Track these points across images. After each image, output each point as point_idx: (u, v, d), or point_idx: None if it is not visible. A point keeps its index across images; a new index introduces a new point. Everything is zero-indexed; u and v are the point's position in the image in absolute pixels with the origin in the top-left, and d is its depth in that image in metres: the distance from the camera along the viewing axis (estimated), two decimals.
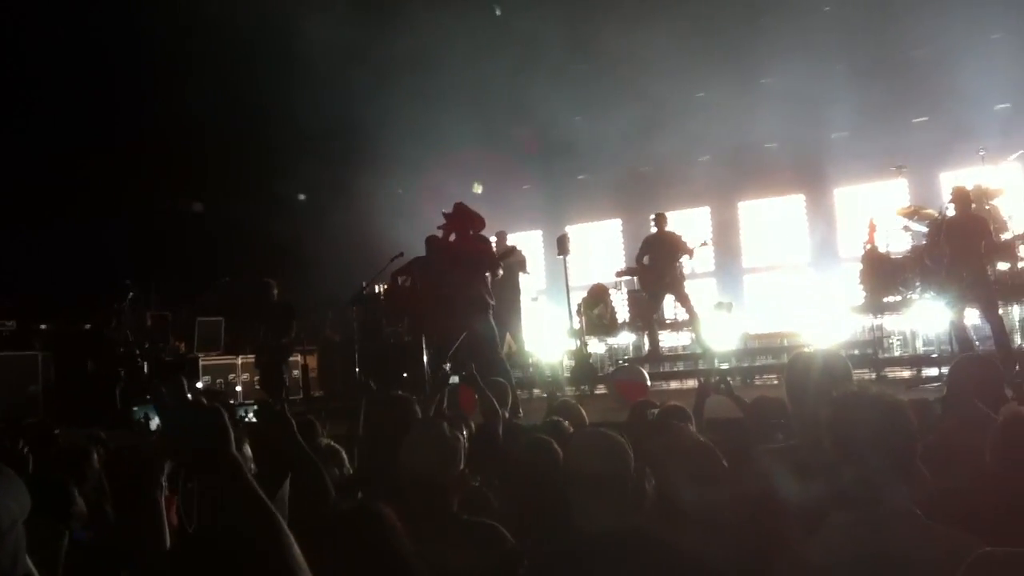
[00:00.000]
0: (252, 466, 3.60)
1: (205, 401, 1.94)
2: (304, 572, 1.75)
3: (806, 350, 4.39)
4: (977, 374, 4.25)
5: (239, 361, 13.55)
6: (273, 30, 13.35)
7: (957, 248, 9.48)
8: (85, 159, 13.97)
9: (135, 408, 10.81)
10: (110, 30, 13.10)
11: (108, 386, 11.21)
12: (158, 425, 6.39)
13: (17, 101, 13.40)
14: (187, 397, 2.04)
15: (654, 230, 13.08)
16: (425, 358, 10.37)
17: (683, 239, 12.71)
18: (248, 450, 3.56)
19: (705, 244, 13.07)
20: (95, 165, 13.96)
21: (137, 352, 12.06)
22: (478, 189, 15.93)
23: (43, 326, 12.63)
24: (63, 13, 13.18)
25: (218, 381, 13.01)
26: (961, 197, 9.58)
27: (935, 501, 2.70)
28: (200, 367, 13.00)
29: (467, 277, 9.36)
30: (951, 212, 9.78)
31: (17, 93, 13.44)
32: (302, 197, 15.99)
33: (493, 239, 10.15)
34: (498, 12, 15.78)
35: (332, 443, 4.99)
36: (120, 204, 14.21)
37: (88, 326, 12.11)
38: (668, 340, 13.45)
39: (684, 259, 12.68)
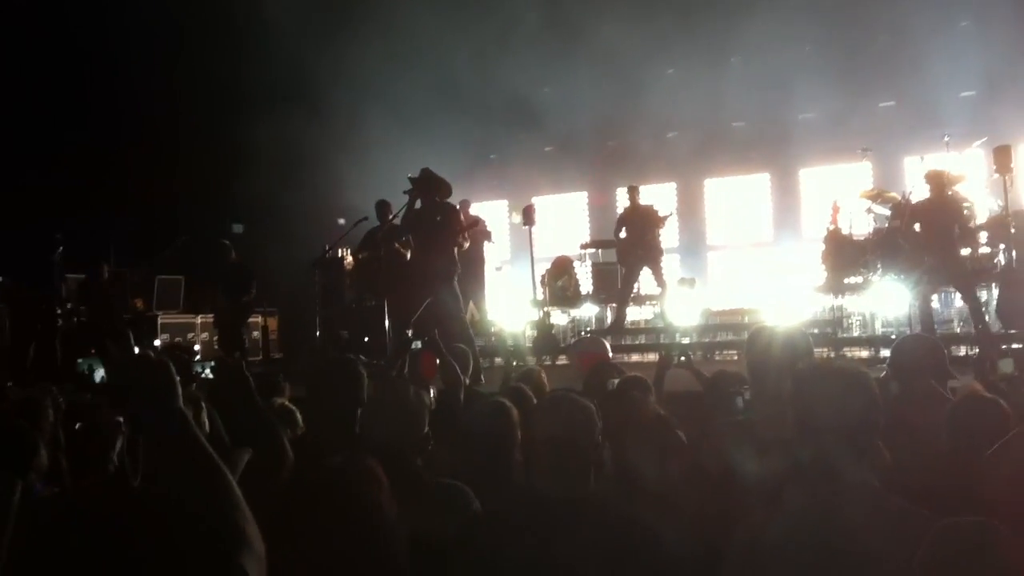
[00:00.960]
0: (207, 428, 3.58)
1: (153, 355, 1.91)
2: (251, 527, 1.73)
3: (767, 325, 4.40)
4: (921, 352, 4.30)
5: (198, 320, 13.45)
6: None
7: (931, 230, 9.51)
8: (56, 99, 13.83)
9: (79, 360, 10.70)
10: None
11: (49, 342, 11.09)
12: (102, 378, 6.32)
13: None
14: (133, 350, 2.02)
15: (628, 204, 13.09)
16: (387, 323, 10.34)
17: (656, 212, 12.73)
18: (206, 413, 3.53)
19: (670, 214, 13.09)
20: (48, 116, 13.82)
21: (72, 307, 11.97)
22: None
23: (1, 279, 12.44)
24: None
25: (176, 339, 12.90)
26: (937, 179, 9.62)
27: (891, 478, 2.72)
28: (159, 325, 12.89)
29: (433, 244, 9.32)
30: (924, 194, 9.82)
31: None
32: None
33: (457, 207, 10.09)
34: None
35: (287, 403, 4.97)
36: (85, 161, 14.02)
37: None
38: (631, 314, 13.49)
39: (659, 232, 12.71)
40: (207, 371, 9.60)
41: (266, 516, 1.79)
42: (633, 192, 12.97)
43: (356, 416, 3.70)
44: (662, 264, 12.74)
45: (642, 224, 12.63)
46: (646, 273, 12.82)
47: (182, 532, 1.65)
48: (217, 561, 1.65)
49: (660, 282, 12.70)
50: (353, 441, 3.61)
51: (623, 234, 12.83)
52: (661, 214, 12.64)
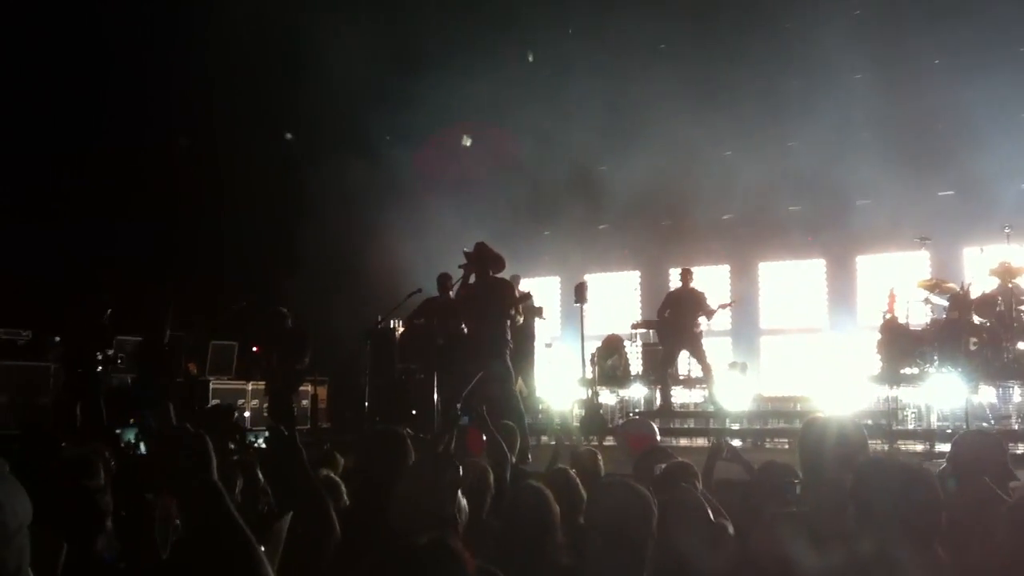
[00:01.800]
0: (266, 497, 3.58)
1: (191, 428, 1.95)
2: None
3: (821, 416, 4.34)
4: (981, 449, 4.17)
5: (249, 387, 13.55)
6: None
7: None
8: (108, 164, 14.15)
9: (117, 431, 10.79)
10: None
11: (95, 402, 11.19)
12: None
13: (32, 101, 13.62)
14: (172, 422, 2.08)
15: (679, 285, 13.07)
16: (436, 396, 10.33)
17: (706, 298, 12.70)
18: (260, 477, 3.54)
19: (726, 306, 13.05)
20: (114, 171, 14.16)
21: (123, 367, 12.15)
22: (467, 142, 15.81)
23: (57, 338, 12.66)
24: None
25: (226, 404, 12.98)
26: (1004, 272, 9.61)
27: None
28: (211, 390, 13.01)
29: (486, 318, 9.33)
30: (985, 285, 9.76)
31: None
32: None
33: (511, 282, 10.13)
34: (531, 58, 15.92)
35: (332, 475, 4.96)
36: (142, 212, 14.36)
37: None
38: (681, 396, 13.37)
39: (702, 318, 12.67)
40: (260, 440, 9.64)
41: None
42: (686, 275, 12.98)
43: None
44: (703, 348, 12.66)
45: (689, 307, 12.60)
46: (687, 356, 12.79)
47: None
48: None
49: (703, 366, 12.61)
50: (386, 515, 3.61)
51: (667, 314, 12.83)
52: (714, 302, 12.62)
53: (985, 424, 9.74)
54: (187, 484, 1.83)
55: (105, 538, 3.44)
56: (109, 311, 11.61)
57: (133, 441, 10.18)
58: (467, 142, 15.93)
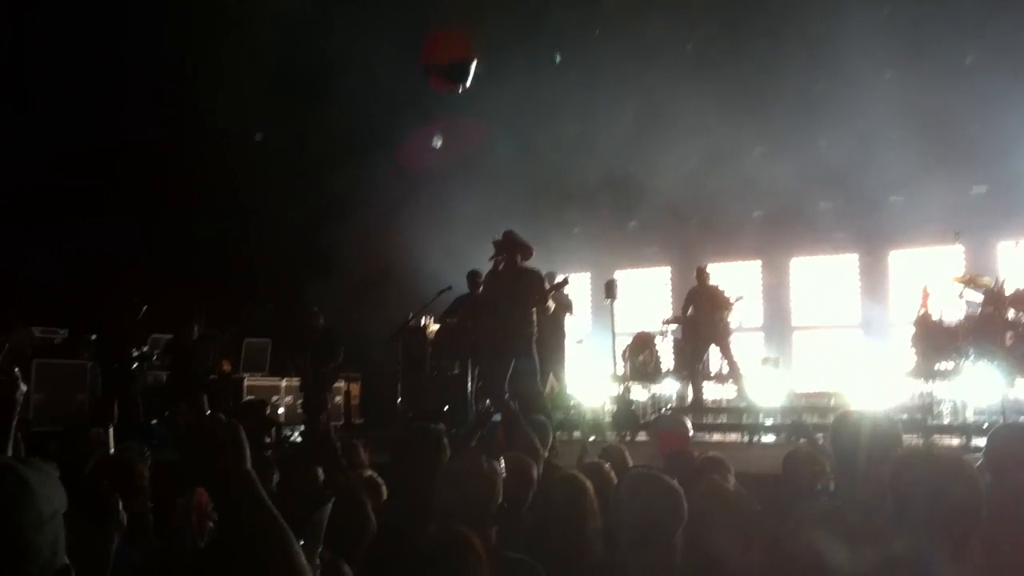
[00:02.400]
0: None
1: (224, 417, 1.97)
2: None
3: (854, 410, 4.31)
4: (1018, 442, 4.10)
5: (283, 383, 13.66)
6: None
7: None
8: (135, 161, 14.31)
9: (152, 422, 10.97)
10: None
11: (133, 399, 11.36)
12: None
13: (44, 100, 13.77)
14: (204, 412, 2.09)
15: (697, 283, 13.09)
16: (469, 392, 10.38)
17: (723, 293, 12.72)
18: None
19: (740, 299, 13.06)
20: (150, 171, 14.31)
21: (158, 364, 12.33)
22: (437, 143, 15.83)
23: (93, 336, 12.84)
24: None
25: (260, 399, 13.11)
26: None
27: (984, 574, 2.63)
28: (244, 387, 13.15)
29: (513, 308, 9.32)
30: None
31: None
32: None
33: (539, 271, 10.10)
34: (558, 59, 15.91)
35: (374, 475, 4.99)
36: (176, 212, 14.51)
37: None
38: (713, 392, 13.34)
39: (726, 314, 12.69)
40: (295, 435, 9.77)
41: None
42: (701, 273, 13.03)
43: (434, 485, 3.73)
44: (730, 344, 12.66)
45: (709, 305, 12.64)
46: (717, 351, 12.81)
47: None
48: None
49: (730, 363, 12.63)
50: (430, 510, 3.64)
51: (689, 313, 12.86)
52: (730, 296, 12.65)
53: (1022, 418, 9.64)
54: (220, 474, 1.85)
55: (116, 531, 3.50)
56: (144, 308, 11.78)
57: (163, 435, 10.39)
58: (437, 143, 15.92)
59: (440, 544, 2.54)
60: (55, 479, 1.70)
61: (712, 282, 13.01)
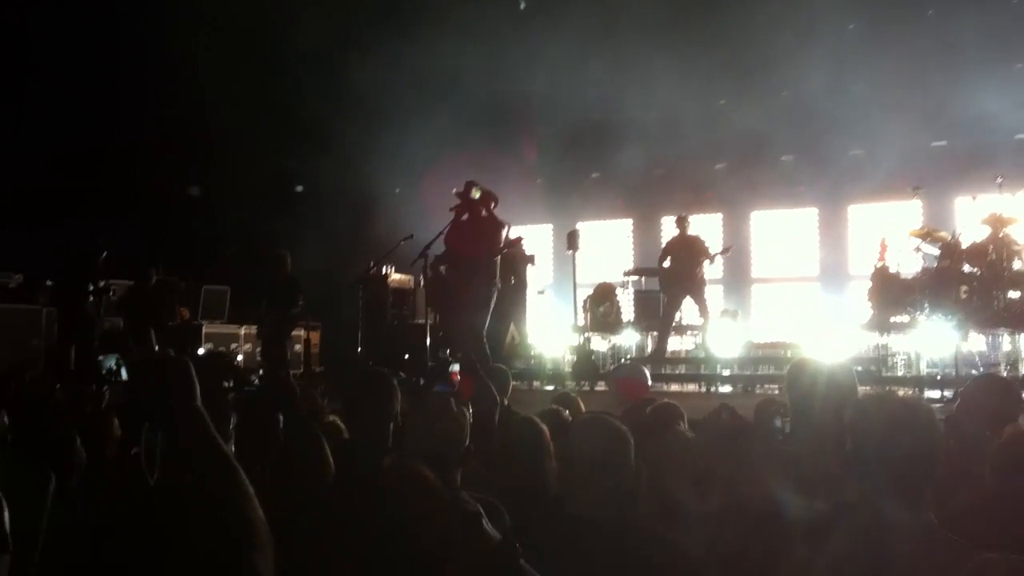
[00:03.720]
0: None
1: (172, 353, 1.95)
2: (262, 525, 1.76)
3: (810, 358, 4.35)
4: (992, 394, 4.16)
5: (242, 331, 13.58)
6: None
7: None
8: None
9: (100, 358, 10.82)
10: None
11: (89, 345, 11.19)
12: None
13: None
14: (154, 349, 2.08)
15: (675, 233, 13.07)
16: (428, 341, 10.38)
17: (705, 243, 12.75)
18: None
19: (727, 251, 13.10)
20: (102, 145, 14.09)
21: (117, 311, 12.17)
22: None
23: (48, 282, 12.66)
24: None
25: (219, 349, 13.04)
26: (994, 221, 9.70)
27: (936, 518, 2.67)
28: (203, 334, 13.05)
29: (473, 257, 9.32)
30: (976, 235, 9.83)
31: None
32: (299, 188, 16.10)
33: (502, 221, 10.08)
34: (522, 5, 15.76)
35: (337, 420, 4.98)
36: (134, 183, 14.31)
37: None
38: (671, 343, 13.43)
39: (705, 263, 12.71)
40: (255, 381, 9.70)
41: (314, 517, 1.82)
42: (682, 222, 12.97)
43: (389, 428, 3.80)
44: (706, 295, 12.74)
45: (689, 254, 12.63)
46: (688, 303, 12.81)
47: (196, 526, 1.69)
48: (229, 554, 1.70)
49: (703, 312, 12.70)
50: (387, 453, 3.68)
51: (667, 263, 12.83)
52: (713, 249, 12.66)
53: (974, 371, 9.81)
54: (170, 409, 1.83)
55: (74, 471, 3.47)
56: (104, 254, 11.57)
57: (114, 368, 10.27)
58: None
59: (394, 479, 2.54)
60: None
61: (692, 232, 12.99)
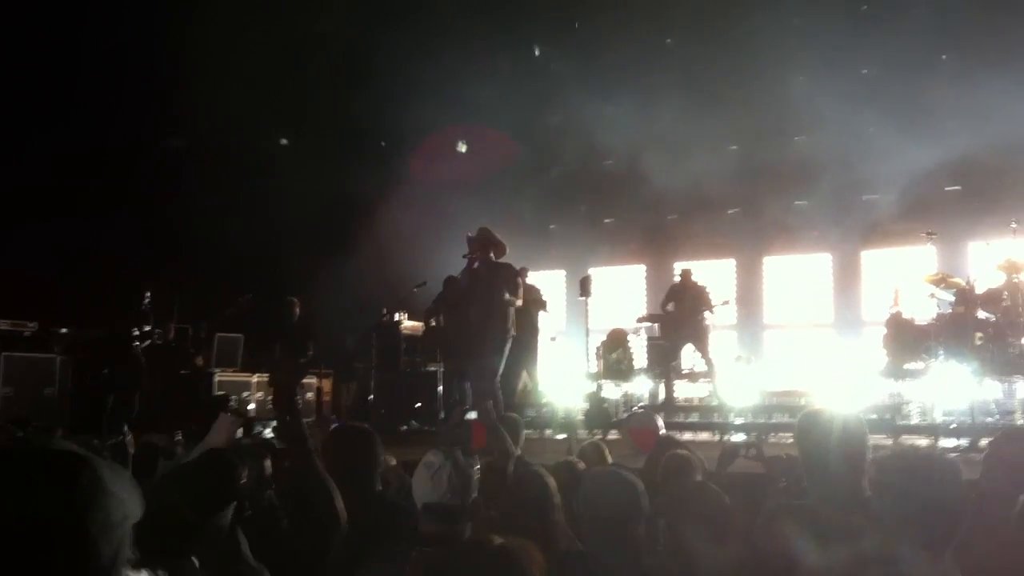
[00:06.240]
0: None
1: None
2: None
3: (821, 409, 4.32)
4: (1019, 448, 4.03)
5: (254, 379, 13.58)
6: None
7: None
8: (113, 160, 14.14)
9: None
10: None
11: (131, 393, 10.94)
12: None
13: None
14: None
15: (679, 279, 13.10)
16: (440, 389, 10.35)
17: (708, 293, 12.73)
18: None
19: (727, 303, 13.08)
20: (124, 168, 14.15)
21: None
22: (463, 147, 15.97)
23: (63, 330, 12.70)
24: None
25: (233, 397, 13.02)
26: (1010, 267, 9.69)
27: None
28: (216, 382, 13.06)
29: (489, 304, 9.33)
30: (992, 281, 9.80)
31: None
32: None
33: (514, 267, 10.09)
34: (537, 52, 15.91)
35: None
36: (149, 208, 14.34)
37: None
38: (684, 391, 13.37)
39: (707, 313, 12.70)
40: (267, 431, 9.67)
41: None
42: (685, 274, 13.02)
43: (374, 477, 3.91)
44: (709, 343, 12.69)
45: (692, 302, 12.63)
46: (691, 350, 12.82)
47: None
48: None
49: (707, 360, 12.65)
50: (378, 500, 3.77)
51: (670, 308, 12.86)
52: (715, 299, 12.66)
53: (990, 419, 9.72)
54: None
55: None
56: (148, 295, 11.31)
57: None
58: (462, 147, 15.98)
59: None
60: (131, 482, 1.61)
61: (697, 281, 12.99)
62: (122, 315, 10.97)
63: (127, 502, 1.54)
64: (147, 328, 10.99)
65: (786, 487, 4.12)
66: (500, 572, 2.47)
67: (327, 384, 13.98)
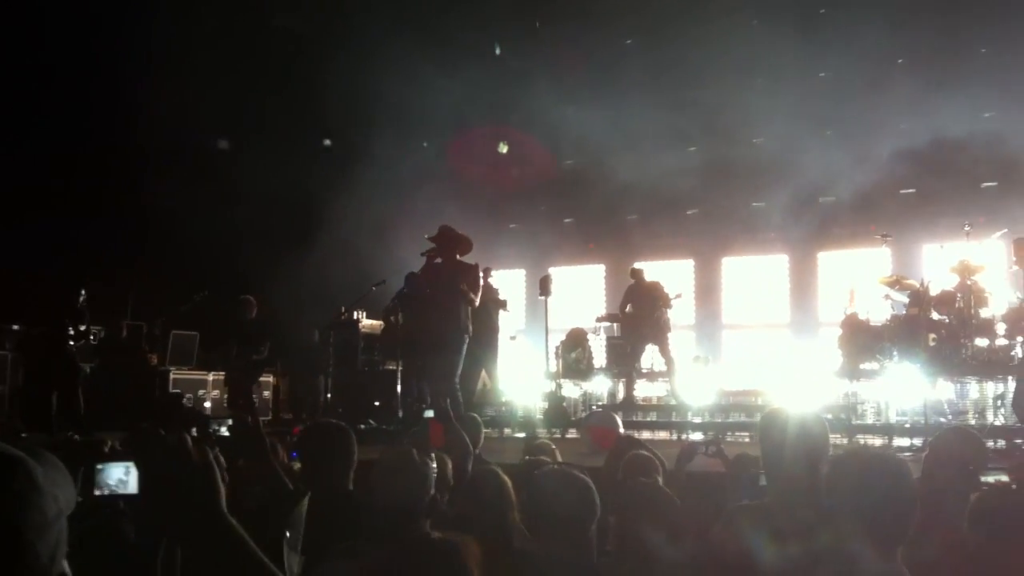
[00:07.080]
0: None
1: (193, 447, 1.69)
2: None
3: (781, 408, 4.35)
4: (958, 448, 4.17)
5: (210, 377, 13.43)
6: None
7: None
8: (70, 159, 13.92)
9: (98, 467, 10.33)
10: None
11: (72, 391, 10.74)
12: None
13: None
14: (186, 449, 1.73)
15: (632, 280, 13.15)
16: (399, 388, 10.30)
17: (663, 288, 12.77)
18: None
19: (680, 296, 13.13)
20: (80, 164, 13.94)
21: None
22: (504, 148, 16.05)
23: (15, 327, 12.46)
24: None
25: (187, 396, 12.89)
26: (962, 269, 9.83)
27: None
28: (171, 380, 12.90)
29: (446, 303, 9.28)
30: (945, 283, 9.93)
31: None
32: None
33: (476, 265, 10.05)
34: (498, 51, 15.90)
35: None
36: (103, 205, 14.12)
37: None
38: (643, 390, 13.42)
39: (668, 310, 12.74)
40: (223, 430, 9.56)
41: None
42: (637, 273, 13.04)
43: (348, 475, 3.96)
44: (669, 341, 12.73)
45: (649, 301, 12.67)
46: (654, 349, 12.84)
47: None
48: None
49: (667, 359, 12.69)
50: (349, 498, 3.78)
51: (628, 309, 12.90)
52: (669, 293, 12.70)
53: (943, 419, 9.85)
54: (193, 519, 1.62)
55: None
56: (84, 292, 11.16)
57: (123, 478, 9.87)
58: (503, 148, 16.05)
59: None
60: (65, 476, 1.53)
61: (650, 279, 13.02)
62: (57, 313, 10.74)
63: (60, 498, 1.47)
64: (82, 327, 10.80)
65: (746, 485, 4.15)
66: (438, 566, 2.46)
67: (282, 382, 13.88)
